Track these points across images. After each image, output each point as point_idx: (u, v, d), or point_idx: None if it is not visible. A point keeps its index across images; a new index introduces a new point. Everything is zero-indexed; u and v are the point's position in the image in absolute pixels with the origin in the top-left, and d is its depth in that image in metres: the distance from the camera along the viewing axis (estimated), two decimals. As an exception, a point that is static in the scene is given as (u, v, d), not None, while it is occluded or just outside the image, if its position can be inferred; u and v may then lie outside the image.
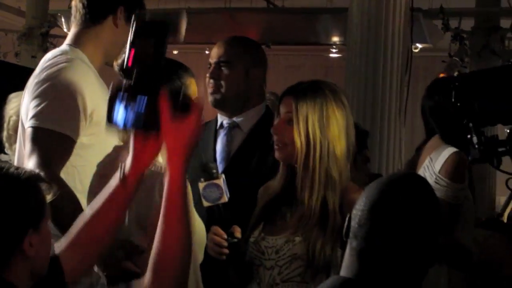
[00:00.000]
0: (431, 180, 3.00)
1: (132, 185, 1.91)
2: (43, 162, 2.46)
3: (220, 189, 2.57)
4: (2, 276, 1.83)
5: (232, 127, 3.19)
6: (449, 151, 3.13)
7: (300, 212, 2.54)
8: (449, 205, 3.05)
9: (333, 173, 2.51)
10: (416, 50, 7.13)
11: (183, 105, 1.85)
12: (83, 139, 2.61)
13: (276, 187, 2.65)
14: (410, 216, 1.76)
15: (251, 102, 3.21)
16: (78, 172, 2.63)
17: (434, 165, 3.10)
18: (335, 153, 2.52)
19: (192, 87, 2.59)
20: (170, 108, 1.80)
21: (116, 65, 2.36)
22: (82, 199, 2.53)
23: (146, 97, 1.79)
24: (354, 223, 1.80)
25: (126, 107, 1.79)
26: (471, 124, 2.28)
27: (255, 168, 3.03)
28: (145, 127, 1.81)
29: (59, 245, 1.99)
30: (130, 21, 2.67)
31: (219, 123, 3.22)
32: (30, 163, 2.48)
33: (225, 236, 2.55)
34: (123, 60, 1.87)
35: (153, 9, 7.35)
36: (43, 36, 8.30)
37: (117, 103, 1.79)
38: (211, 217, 2.57)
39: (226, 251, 2.55)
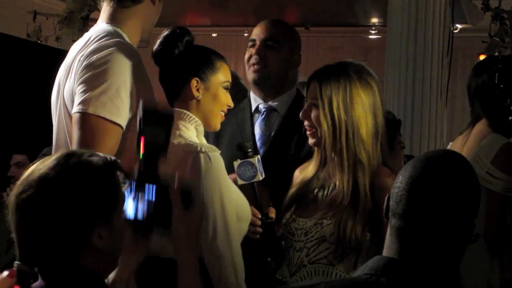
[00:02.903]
0: (482, 170, 2.95)
1: None
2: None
3: (254, 167, 2.59)
4: (81, 264, 1.74)
5: (269, 111, 3.19)
6: (500, 141, 3.05)
7: (331, 195, 2.56)
8: (503, 197, 3.01)
9: (361, 155, 2.51)
10: (456, 31, 7.04)
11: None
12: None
13: (310, 170, 2.67)
14: (447, 193, 1.74)
15: (287, 86, 3.21)
16: (123, 158, 2.61)
17: (485, 155, 3.04)
18: (361, 134, 2.52)
19: (224, 71, 2.63)
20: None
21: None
22: None
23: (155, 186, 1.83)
24: (392, 202, 1.79)
25: (135, 198, 1.82)
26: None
27: (294, 151, 3.04)
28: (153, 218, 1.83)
29: None
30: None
31: (253, 106, 3.20)
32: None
33: (260, 216, 2.58)
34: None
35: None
36: (84, 20, 8.37)
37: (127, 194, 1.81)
38: (245, 195, 2.58)
39: (260, 230, 2.57)
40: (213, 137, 3.07)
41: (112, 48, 2.53)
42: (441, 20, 4.84)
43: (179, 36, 2.60)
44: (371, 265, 1.76)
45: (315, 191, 2.61)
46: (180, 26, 2.67)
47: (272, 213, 2.61)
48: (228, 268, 2.41)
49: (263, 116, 3.18)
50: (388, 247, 1.78)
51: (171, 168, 2.45)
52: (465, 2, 7.13)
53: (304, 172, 2.68)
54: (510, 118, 2.22)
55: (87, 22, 8.31)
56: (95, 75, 2.49)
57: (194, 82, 2.55)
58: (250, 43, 3.20)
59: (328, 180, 2.60)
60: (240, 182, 2.58)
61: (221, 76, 2.60)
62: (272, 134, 3.14)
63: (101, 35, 2.61)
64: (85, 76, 2.51)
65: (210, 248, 2.42)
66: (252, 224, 2.56)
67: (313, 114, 2.57)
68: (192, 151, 2.43)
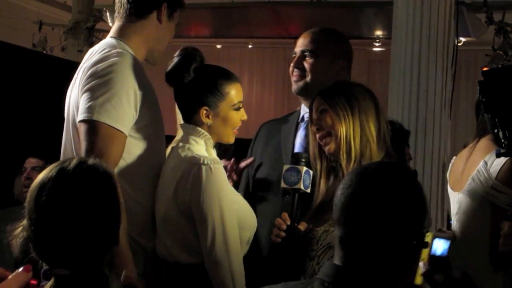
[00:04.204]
0: (487, 185, 2.93)
1: None
2: (98, 156, 2.45)
3: (299, 175, 2.64)
4: (101, 268, 1.82)
5: None
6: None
7: None
8: (508, 212, 3.00)
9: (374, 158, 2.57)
10: (460, 44, 7.06)
11: None
12: (130, 131, 2.63)
13: (322, 183, 2.70)
14: (382, 202, 1.80)
15: None
16: (126, 164, 2.64)
17: (489, 170, 3.02)
18: (371, 142, 2.60)
19: (235, 93, 2.70)
20: None
21: None
22: (129, 190, 2.58)
23: None
24: (334, 212, 1.87)
25: None
26: (497, 120, 2.27)
27: None
28: None
29: None
30: (172, 19, 2.76)
31: (301, 116, 3.27)
32: (84, 156, 2.46)
33: (288, 222, 2.62)
34: None
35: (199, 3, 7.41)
36: (89, 30, 8.40)
37: None
38: (283, 201, 2.67)
39: (283, 234, 2.60)
40: (261, 145, 3.22)
41: (115, 59, 2.60)
42: (445, 33, 4.85)
43: (188, 62, 2.67)
44: (324, 271, 1.84)
45: (329, 202, 2.64)
46: (191, 48, 2.72)
47: (302, 226, 2.63)
48: (226, 274, 2.51)
49: (304, 126, 3.22)
50: (336, 255, 1.86)
51: (176, 178, 2.53)
52: (469, 15, 7.15)
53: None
54: (495, 130, 2.24)
55: (93, 33, 8.35)
56: (99, 84, 2.56)
57: (203, 111, 2.65)
58: (293, 55, 3.28)
59: None
60: (283, 185, 2.66)
61: (230, 99, 2.70)
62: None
63: (105, 47, 2.69)
64: (89, 85, 2.58)
65: (208, 254, 2.53)
66: (277, 227, 2.62)
67: (325, 122, 2.64)
68: (195, 163, 2.57)
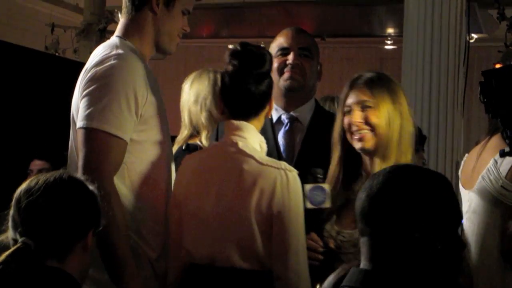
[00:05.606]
0: (496, 184, 2.91)
1: None
2: (95, 165, 2.42)
3: (325, 193, 2.60)
4: (62, 269, 2.00)
5: (292, 121, 3.18)
6: None
7: None
8: None
9: (406, 159, 2.56)
10: (472, 40, 7.03)
11: None
12: (133, 135, 2.54)
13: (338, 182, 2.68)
14: (411, 205, 1.76)
15: (309, 96, 3.22)
16: (127, 169, 2.56)
17: (499, 168, 3.00)
18: (407, 139, 2.59)
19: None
20: None
21: None
22: (130, 196, 2.55)
23: None
24: (358, 216, 1.83)
25: None
26: (499, 120, 2.25)
27: (320, 161, 3.04)
28: None
29: None
30: (172, 7, 2.68)
31: (275, 117, 3.18)
32: (82, 165, 2.44)
33: (321, 243, 2.58)
34: None
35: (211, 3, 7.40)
36: (101, 32, 8.42)
37: None
38: (309, 220, 2.58)
39: (321, 257, 2.57)
40: None
41: (114, 62, 2.52)
42: (457, 30, 4.84)
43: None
44: (349, 278, 1.80)
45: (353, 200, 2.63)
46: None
47: (332, 244, 2.60)
48: (305, 284, 2.45)
49: (287, 127, 3.18)
50: (362, 260, 1.82)
51: (258, 183, 2.46)
52: (481, 11, 7.12)
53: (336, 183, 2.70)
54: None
55: (105, 34, 8.36)
56: (97, 89, 2.49)
57: None
58: (280, 52, 3.18)
59: None
60: (310, 206, 2.57)
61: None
62: (299, 145, 3.14)
63: (106, 49, 2.62)
64: (88, 90, 2.51)
65: (293, 263, 2.44)
66: (313, 250, 2.55)
67: (365, 118, 2.60)
68: (278, 168, 2.48)
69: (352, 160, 2.67)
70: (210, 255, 2.49)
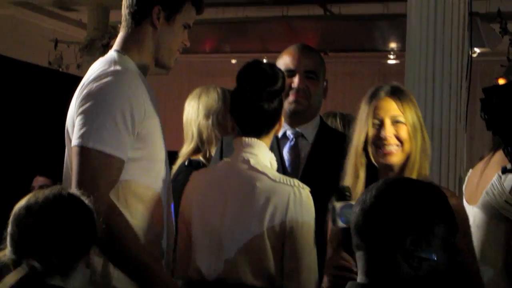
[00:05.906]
0: (500, 199, 2.91)
1: None
2: (90, 183, 2.37)
3: None
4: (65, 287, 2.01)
5: (297, 137, 3.18)
6: None
7: None
8: None
9: (425, 172, 2.57)
10: (474, 55, 7.04)
11: None
12: (128, 153, 2.49)
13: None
14: (399, 218, 1.77)
15: (315, 114, 3.23)
16: (122, 187, 2.49)
17: (503, 183, 2.99)
18: (427, 153, 2.61)
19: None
20: None
21: None
22: (126, 214, 2.47)
23: None
24: (352, 231, 1.86)
25: None
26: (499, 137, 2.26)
27: (327, 176, 3.02)
28: None
29: None
30: (172, 21, 2.64)
31: (280, 133, 3.14)
32: (75, 184, 2.39)
33: (353, 262, 2.46)
34: None
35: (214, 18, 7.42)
36: (104, 47, 8.44)
37: None
38: (335, 240, 2.58)
39: (356, 276, 2.55)
40: None
41: (109, 78, 2.48)
42: (460, 44, 4.84)
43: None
44: None
45: None
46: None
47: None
48: None
49: (292, 143, 3.17)
50: (359, 274, 1.84)
51: (271, 201, 2.47)
52: (483, 25, 7.13)
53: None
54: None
55: (108, 50, 8.36)
56: (93, 106, 2.45)
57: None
58: (286, 73, 3.05)
59: None
60: (341, 225, 2.45)
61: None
62: (304, 161, 3.13)
63: (103, 64, 2.58)
64: (84, 107, 2.47)
65: (304, 281, 2.44)
66: (347, 269, 2.48)
67: (395, 131, 2.59)
68: (291, 185, 2.49)
69: (371, 175, 2.64)
70: (221, 272, 2.48)
